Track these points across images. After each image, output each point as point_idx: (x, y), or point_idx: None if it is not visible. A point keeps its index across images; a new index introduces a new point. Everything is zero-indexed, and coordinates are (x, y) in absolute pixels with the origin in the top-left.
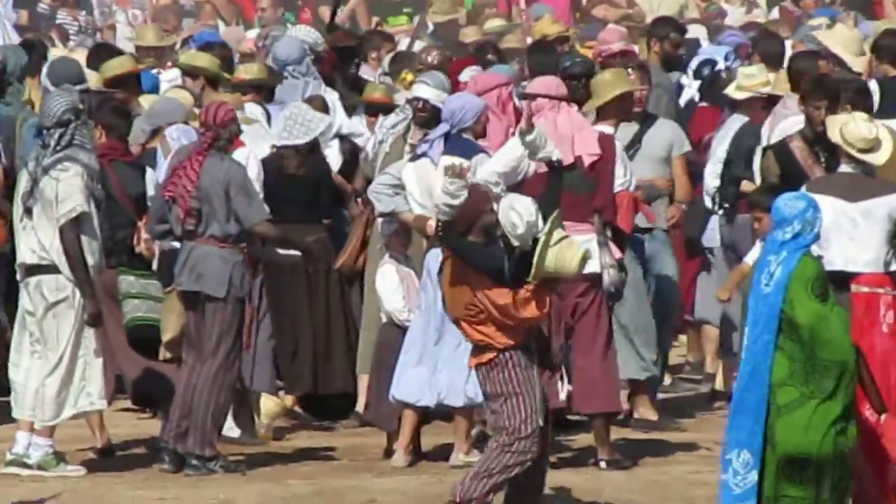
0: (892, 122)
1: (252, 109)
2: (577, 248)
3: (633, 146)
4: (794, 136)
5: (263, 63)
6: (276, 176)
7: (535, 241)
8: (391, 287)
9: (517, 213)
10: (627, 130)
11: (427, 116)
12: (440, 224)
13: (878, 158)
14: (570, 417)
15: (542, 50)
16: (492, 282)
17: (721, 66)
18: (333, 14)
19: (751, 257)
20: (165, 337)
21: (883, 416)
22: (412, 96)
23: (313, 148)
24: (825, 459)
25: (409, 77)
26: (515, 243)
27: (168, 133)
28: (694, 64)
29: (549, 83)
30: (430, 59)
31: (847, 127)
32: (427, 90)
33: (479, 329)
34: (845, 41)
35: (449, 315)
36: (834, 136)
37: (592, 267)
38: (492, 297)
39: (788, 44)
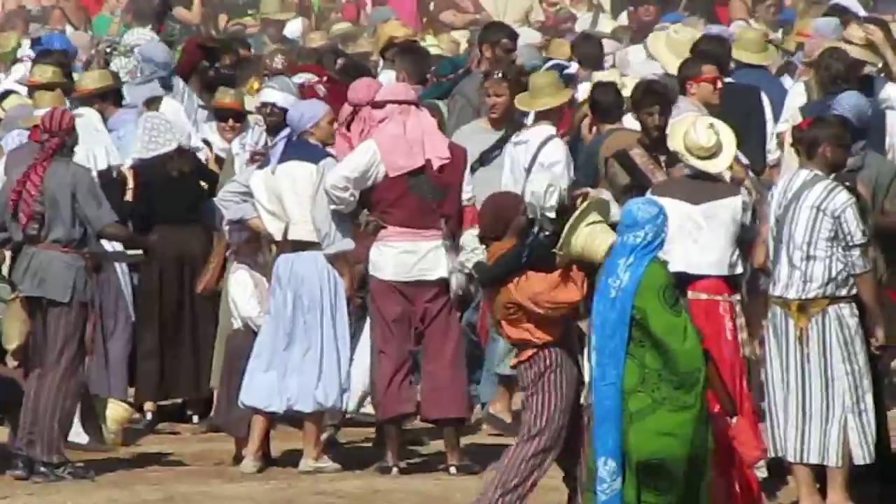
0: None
1: (85, 111)
2: (608, 236)
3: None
4: (634, 144)
5: (104, 69)
6: (156, 179)
7: (565, 220)
8: (246, 293)
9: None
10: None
11: (276, 120)
12: (477, 271)
13: (718, 166)
14: None
15: (413, 52)
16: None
17: (573, 69)
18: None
19: None
20: (10, 345)
21: (734, 420)
22: (260, 102)
23: (182, 150)
24: (679, 464)
25: (256, 84)
26: (530, 215)
27: (9, 138)
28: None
29: (397, 89)
30: (274, 63)
31: (688, 135)
32: (274, 94)
33: (518, 327)
34: (671, 45)
35: (491, 319)
36: (674, 143)
37: (440, 272)
38: (527, 287)
39: (638, 48)
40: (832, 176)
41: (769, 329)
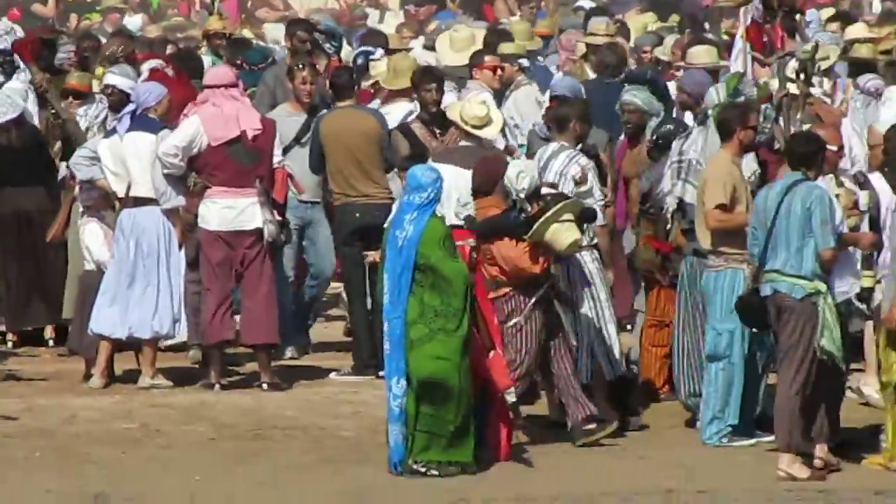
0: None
1: None
2: (573, 233)
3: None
4: (415, 119)
5: None
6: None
7: (543, 209)
8: (98, 241)
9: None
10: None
11: (116, 100)
12: (467, 222)
13: (489, 133)
14: None
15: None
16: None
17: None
18: None
19: None
20: None
21: (492, 353)
22: (104, 84)
23: (22, 120)
24: (451, 382)
25: (101, 70)
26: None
27: None
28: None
29: (217, 74)
30: (113, 50)
31: (463, 108)
32: (115, 78)
33: (495, 268)
34: (453, 42)
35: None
36: (453, 115)
37: (256, 223)
38: (501, 248)
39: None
40: (577, 147)
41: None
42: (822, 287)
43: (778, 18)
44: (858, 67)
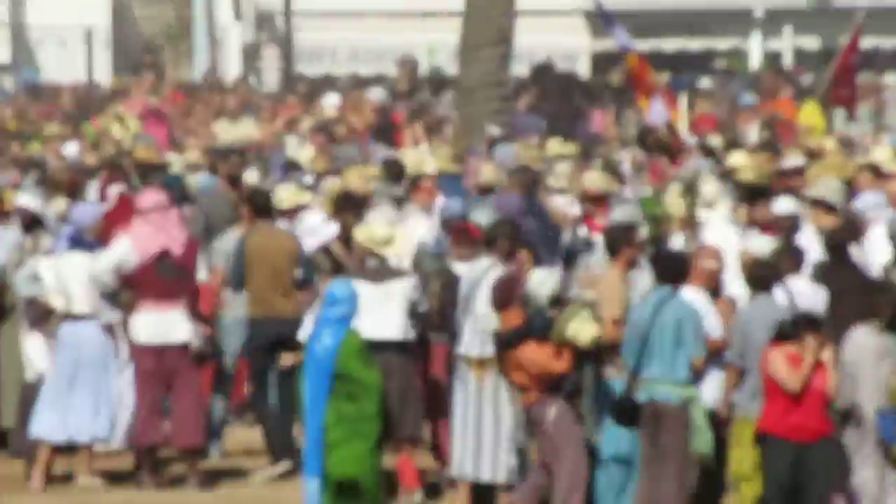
0: None
1: None
2: (592, 327)
3: None
4: (334, 241)
5: None
6: None
7: (560, 307)
8: (41, 353)
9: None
10: None
11: (27, 219)
12: (496, 338)
13: (392, 251)
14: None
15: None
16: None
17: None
18: None
19: None
20: None
21: (401, 457)
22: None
23: None
24: (364, 483)
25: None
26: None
27: None
28: None
29: (149, 198)
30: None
31: (369, 228)
32: (23, 199)
33: (521, 374)
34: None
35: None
36: (359, 235)
37: (183, 336)
38: (527, 352)
39: None
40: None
41: (457, 378)
42: (695, 393)
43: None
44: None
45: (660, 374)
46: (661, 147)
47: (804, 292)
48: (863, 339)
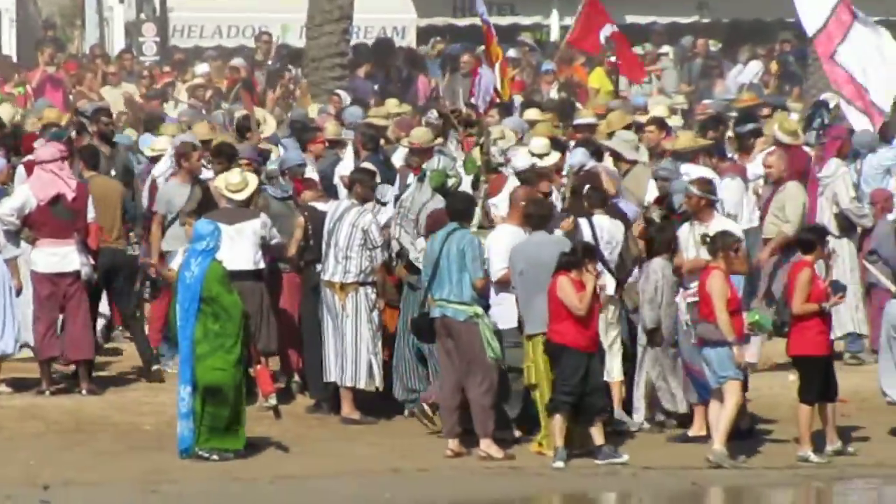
0: None
1: None
2: None
3: None
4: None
5: None
6: None
7: None
8: None
9: None
10: None
11: None
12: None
13: (243, 196)
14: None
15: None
16: None
17: None
18: None
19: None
20: None
21: (258, 367)
22: None
23: None
24: (228, 388)
25: None
26: None
27: None
28: None
29: (45, 150)
30: None
31: (226, 177)
32: None
33: None
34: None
35: None
36: (217, 183)
37: (74, 266)
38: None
39: None
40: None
41: (323, 300)
42: (480, 310)
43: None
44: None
45: (449, 295)
46: (461, 122)
47: (604, 226)
48: (661, 268)
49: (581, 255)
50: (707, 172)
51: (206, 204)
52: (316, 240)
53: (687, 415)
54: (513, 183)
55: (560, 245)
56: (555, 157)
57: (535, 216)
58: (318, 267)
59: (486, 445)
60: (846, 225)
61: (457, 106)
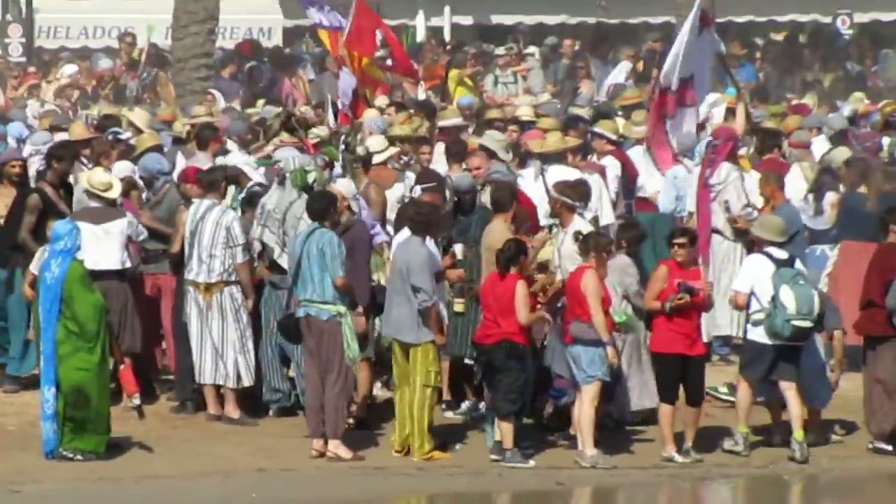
0: None
1: None
2: None
3: None
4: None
5: None
6: None
7: None
8: None
9: None
10: None
11: None
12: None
13: (112, 195)
14: None
15: None
16: None
17: None
18: None
19: None
20: None
21: (122, 367)
22: None
23: None
24: (90, 389)
25: None
26: None
27: None
28: None
29: None
30: None
31: (91, 176)
32: None
33: None
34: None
35: None
36: (83, 182)
37: None
38: None
39: None
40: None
41: (190, 300)
42: (343, 309)
43: None
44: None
45: (312, 295)
46: (300, 124)
47: None
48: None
49: (515, 252)
50: (572, 173)
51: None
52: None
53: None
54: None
55: (413, 253)
56: (390, 152)
57: (415, 222)
58: None
59: (335, 446)
60: (741, 230)
61: (290, 109)
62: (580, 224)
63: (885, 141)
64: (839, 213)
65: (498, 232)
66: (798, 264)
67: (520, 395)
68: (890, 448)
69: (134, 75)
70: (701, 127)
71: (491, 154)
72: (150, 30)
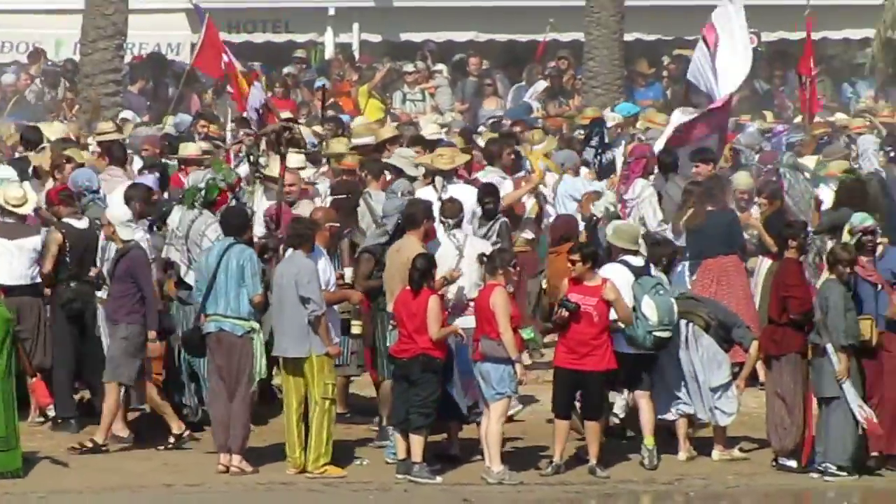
0: None
1: None
2: None
3: None
4: None
5: None
6: None
7: None
8: None
9: None
10: None
11: None
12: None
13: (25, 210)
14: None
15: None
16: None
17: None
18: None
19: None
20: None
21: (33, 380)
22: None
23: None
24: None
25: None
26: None
27: None
28: None
29: None
30: None
31: (5, 191)
32: None
33: None
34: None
35: None
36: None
37: None
38: None
39: None
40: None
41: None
42: (256, 325)
43: None
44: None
45: (226, 310)
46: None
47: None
48: None
49: (427, 266)
50: (467, 190)
51: None
52: (72, 256)
53: None
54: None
55: (301, 265)
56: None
57: (291, 235)
58: (72, 284)
59: (238, 461)
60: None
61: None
62: (479, 245)
63: (785, 158)
64: (688, 231)
65: (410, 249)
66: (654, 271)
67: (433, 410)
68: (794, 464)
69: (42, 90)
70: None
71: (398, 172)
72: (57, 45)
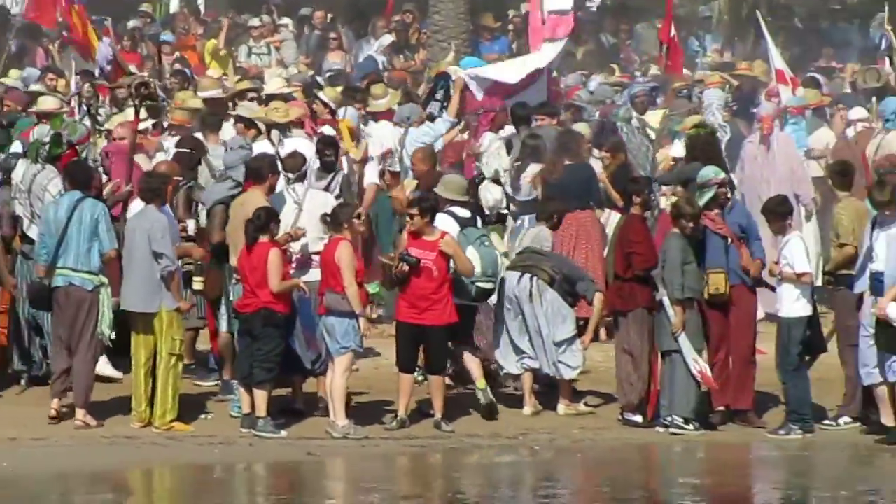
0: None
1: None
2: None
3: None
4: None
5: None
6: None
7: None
8: None
9: None
10: None
11: None
12: None
13: None
14: None
15: None
16: None
17: None
18: None
19: None
20: None
21: None
22: None
23: None
24: None
25: None
26: None
27: None
28: None
29: None
30: None
31: None
32: None
33: None
34: None
35: None
36: None
37: None
38: None
39: None
40: None
41: None
42: (105, 280)
43: None
44: None
45: (76, 264)
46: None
47: None
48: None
49: (265, 220)
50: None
51: None
52: None
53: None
54: None
55: (154, 220)
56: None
57: (143, 190)
58: None
59: (83, 415)
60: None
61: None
62: (321, 199)
63: (621, 112)
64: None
65: (254, 202)
66: (479, 223)
67: (276, 364)
68: (639, 419)
69: None
70: None
71: (249, 124)
72: None
